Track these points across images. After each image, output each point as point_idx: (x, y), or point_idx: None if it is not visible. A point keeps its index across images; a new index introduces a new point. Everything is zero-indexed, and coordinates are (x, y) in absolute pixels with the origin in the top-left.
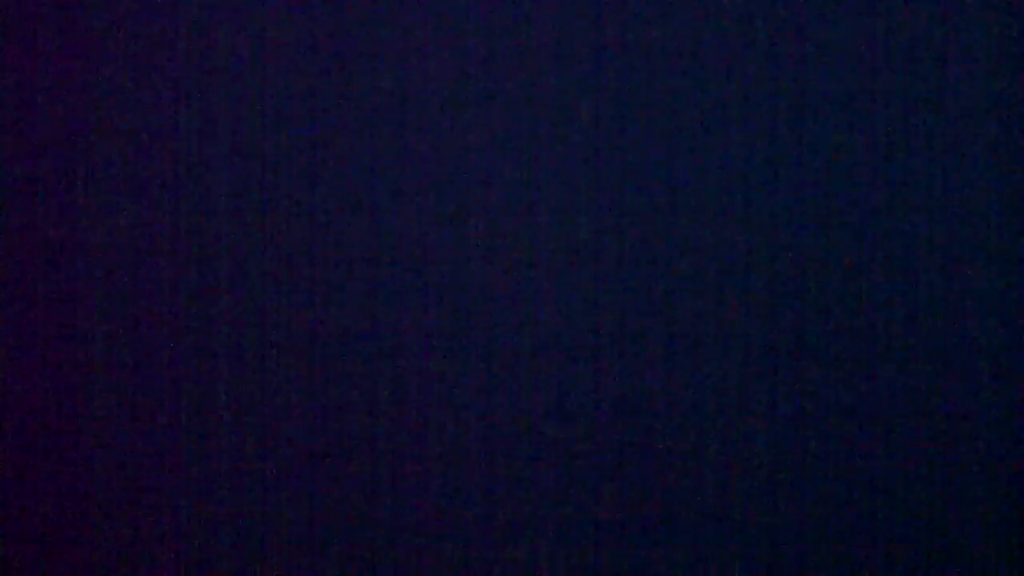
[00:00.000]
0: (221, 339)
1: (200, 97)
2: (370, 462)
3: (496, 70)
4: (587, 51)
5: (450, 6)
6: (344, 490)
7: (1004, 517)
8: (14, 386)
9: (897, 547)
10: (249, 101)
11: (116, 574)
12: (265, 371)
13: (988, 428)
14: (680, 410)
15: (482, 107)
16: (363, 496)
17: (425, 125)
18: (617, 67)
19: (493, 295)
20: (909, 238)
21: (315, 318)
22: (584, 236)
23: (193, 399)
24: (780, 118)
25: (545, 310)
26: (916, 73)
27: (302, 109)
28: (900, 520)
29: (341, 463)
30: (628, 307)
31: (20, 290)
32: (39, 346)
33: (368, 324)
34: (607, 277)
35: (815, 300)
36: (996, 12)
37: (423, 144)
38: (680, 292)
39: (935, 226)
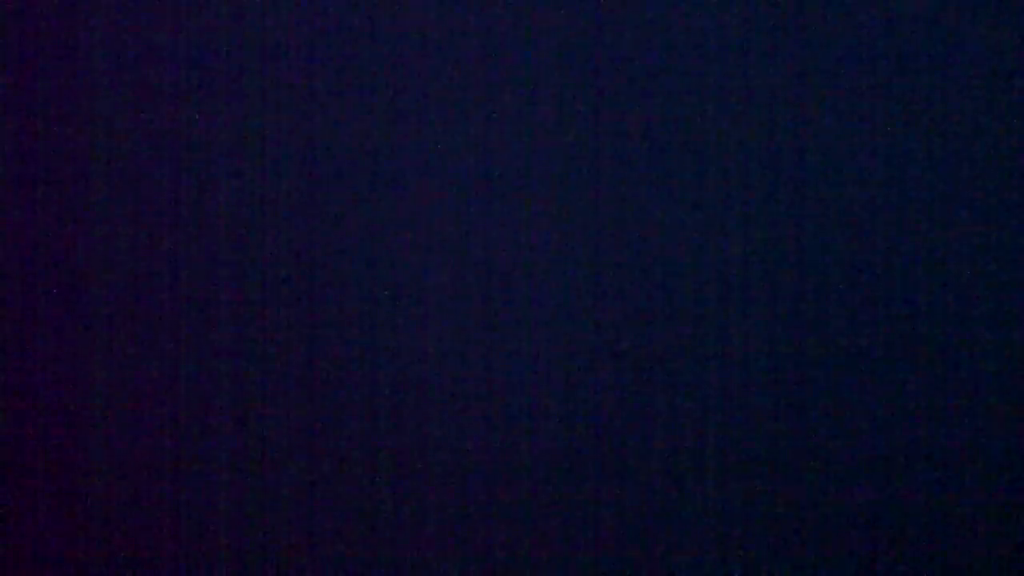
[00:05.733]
0: (221, 340)
1: (200, 97)
2: (369, 465)
3: (496, 70)
4: (586, 51)
5: (450, 6)
6: (343, 493)
7: (1004, 517)
8: (14, 386)
9: (897, 547)
10: (249, 101)
11: (116, 574)
12: (265, 372)
13: (988, 428)
14: (680, 410)
15: (481, 107)
16: (361, 499)
17: (425, 125)
18: (617, 67)
19: (492, 295)
20: (909, 239)
21: (315, 317)
22: (583, 236)
23: (193, 399)
24: (780, 119)
25: (545, 309)
26: (916, 73)
27: (302, 109)
28: (900, 520)
29: (340, 465)
30: (627, 308)
31: (20, 290)
32: (39, 346)
33: (367, 325)
34: (606, 277)
35: (815, 300)
36: (996, 12)
37: (423, 144)
38: (680, 292)
39: (935, 226)
